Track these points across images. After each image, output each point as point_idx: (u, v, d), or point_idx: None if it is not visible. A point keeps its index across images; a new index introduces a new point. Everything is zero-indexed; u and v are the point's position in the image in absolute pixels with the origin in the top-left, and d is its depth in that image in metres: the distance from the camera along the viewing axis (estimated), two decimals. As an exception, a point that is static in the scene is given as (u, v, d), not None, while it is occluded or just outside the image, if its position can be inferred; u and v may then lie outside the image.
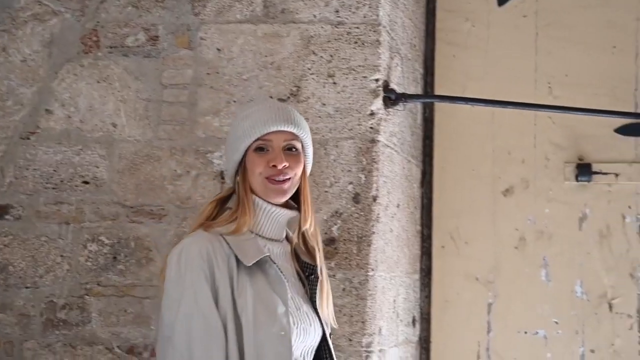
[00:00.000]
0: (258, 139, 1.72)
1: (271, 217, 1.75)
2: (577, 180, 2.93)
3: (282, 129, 1.73)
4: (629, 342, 2.86)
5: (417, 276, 2.95)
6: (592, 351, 2.88)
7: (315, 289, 1.78)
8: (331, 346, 1.80)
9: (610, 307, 2.90)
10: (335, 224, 2.38)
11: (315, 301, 1.77)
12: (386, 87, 2.45)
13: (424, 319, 2.98)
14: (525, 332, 2.94)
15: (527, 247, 2.97)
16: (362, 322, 2.35)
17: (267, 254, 1.70)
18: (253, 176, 1.73)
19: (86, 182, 2.46)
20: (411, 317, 2.86)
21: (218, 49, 2.44)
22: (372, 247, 2.37)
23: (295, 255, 1.83)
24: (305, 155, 1.79)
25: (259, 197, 1.74)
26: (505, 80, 2.99)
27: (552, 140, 2.97)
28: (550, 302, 2.94)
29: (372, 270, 2.37)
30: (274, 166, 1.71)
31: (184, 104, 2.44)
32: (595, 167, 2.92)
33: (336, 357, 1.83)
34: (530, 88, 2.98)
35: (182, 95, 2.44)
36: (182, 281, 1.64)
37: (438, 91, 3.02)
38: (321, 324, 1.77)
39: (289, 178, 1.74)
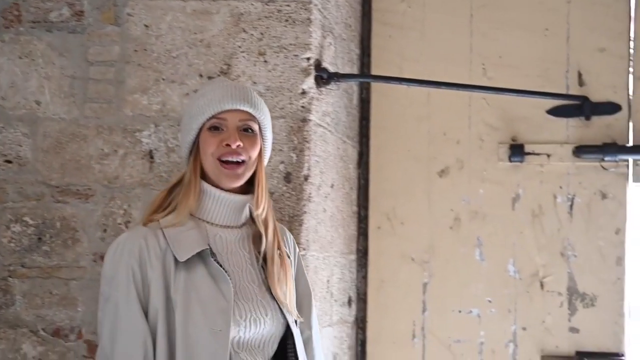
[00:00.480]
0: (212, 117, 1.64)
1: (221, 203, 1.67)
2: (510, 160, 2.92)
3: (238, 107, 1.64)
4: (559, 319, 2.86)
5: (353, 256, 2.92)
6: (524, 329, 2.88)
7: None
8: (295, 334, 1.71)
9: (542, 285, 2.90)
10: (267, 204, 2.32)
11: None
12: (318, 66, 2.39)
13: (361, 299, 2.95)
14: (460, 311, 2.93)
15: (462, 227, 2.96)
16: (294, 302, 2.31)
17: (206, 247, 1.62)
18: (205, 157, 1.65)
19: (9, 162, 2.36)
20: (347, 297, 2.83)
21: (146, 26, 2.35)
22: (303, 227, 2.32)
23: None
24: (263, 139, 1.71)
25: (210, 182, 1.66)
26: (441, 61, 2.96)
27: (487, 121, 2.95)
28: (484, 281, 2.93)
29: (304, 249, 2.32)
30: (228, 145, 1.63)
31: (111, 82, 2.35)
32: (527, 148, 2.91)
33: (311, 345, 1.80)
34: (465, 69, 2.95)
35: (109, 73, 2.35)
36: (112, 280, 1.60)
37: (374, 72, 2.97)
38: (282, 312, 1.69)
39: (243, 161, 1.65)
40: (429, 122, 2.98)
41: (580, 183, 2.90)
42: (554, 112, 2.90)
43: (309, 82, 2.34)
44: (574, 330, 2.85)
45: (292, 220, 2.30)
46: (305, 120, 2.32)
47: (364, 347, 2.93)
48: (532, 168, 2.94)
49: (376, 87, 2.98)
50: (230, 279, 1.61)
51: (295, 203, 2.31)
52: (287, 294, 1.71)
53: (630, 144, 2.85)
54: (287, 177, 2.31)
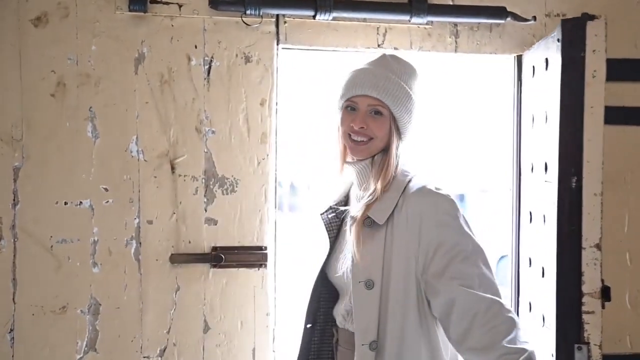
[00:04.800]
0: (348, 99, 1.77)
1: (354, 168, 1.80)
2: (130, 10, 2.17)
3: (365, 93, 1.75)
4: (193, 209, 2.24)
5: None
6: (150, 222, 2.23)
7: None
8: (353, 292, 1.74)
9: (173, 168, 2.26)
10: None
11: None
12: None
13: None
14: (66, 203, 2.17)
15: (68, 94, 2.16)
16: None
17: (322, 211, 1.84)
18: (340, 132, 1.80)
19: None
20: None
21: None
22: None
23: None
24: (395, 120, 1.76)
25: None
26: None
27: (99, -45, 2.17)
28: (98, 164, 2.18)
29: None
30: (353, 126, 1.76)
31: None
32: (153, -6, 2.20)
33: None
34: None
35: None
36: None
37: None
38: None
39: (368, 139, 1.76)
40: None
41: (219, 42, 2.25)
42: (187, -51, 2.20)
43: None
44: (210, 221, 2.26)
45: None
46: None
47: None
48: (160, 21, 2.22)
49: None
50: (330, 234, 1.83)
51: None
52: (361, 254, 1.72)
53: (278, -5, 2.27)
54: None
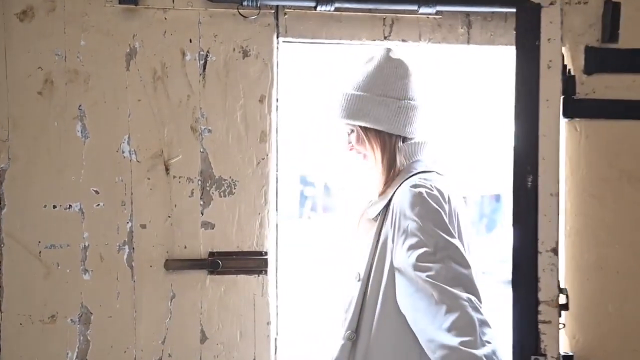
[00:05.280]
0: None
1: None
2: (120, 2, 2.07)
3: (333, 122, 1.87)
4: (189, 212, 2.13)
5: None
6: (143, 226, 2.12)
7: None
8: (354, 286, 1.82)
9: (167, 169, 2.15)
10: None
11: None
12: None
13: None
14: (54, 207, 2.07)
15: (56, 92, 2.05)
16: None
17: (364, 209, 1.89)
18: None
19: None
20: None
21: None
22: None
23: None
24: (368, 128, 1.79)
25: None
26: None
27: (87, -55, 2.06)
28: (88, 165, 2.08)
29: None
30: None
31: None
32: (144, -14, 2.09)
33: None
34: None
35: None
36: None
37: None
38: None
39: (363, 155, 1.85)
40: (4, -58, 2.02)
41: (215, 36, 2.13)
42: (179, -62, 2.09)
43: None
44: (207, 225, 2.15)
45: None
46: None
47: None
48: (152, 14, 2.11)
49: None
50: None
51: None
52: (363, 250, 1.80)
53: (276, -15, 2.15)
54: None
